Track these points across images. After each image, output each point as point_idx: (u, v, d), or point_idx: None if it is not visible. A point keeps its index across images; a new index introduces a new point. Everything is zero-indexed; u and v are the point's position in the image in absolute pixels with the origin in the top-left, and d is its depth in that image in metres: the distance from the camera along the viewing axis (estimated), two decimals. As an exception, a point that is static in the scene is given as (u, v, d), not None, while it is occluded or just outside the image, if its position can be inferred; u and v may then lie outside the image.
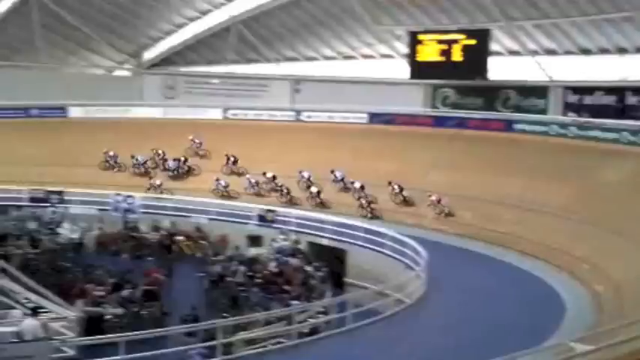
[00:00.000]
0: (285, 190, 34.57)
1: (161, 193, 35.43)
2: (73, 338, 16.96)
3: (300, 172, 35.16)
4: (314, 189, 34.42)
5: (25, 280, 20.27)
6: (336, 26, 40.13)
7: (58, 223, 30.96)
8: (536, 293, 22.17)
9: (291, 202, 34.19)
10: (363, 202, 33.08)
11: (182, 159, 37.78)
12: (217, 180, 35.67)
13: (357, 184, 33.79)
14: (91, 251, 29.79)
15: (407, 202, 33.01)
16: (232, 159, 37.19)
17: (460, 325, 19.05)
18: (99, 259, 27.77)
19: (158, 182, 36.34)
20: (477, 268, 25.21)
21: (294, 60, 42.69)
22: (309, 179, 34.97)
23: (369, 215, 32.43)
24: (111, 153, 38.00)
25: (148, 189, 35.81)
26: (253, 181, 35.54)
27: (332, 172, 35.01)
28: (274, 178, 35.20)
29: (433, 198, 31.74)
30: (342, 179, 34.80)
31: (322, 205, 33.88)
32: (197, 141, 38.91)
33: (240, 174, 36.74)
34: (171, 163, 37.61)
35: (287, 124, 40.47)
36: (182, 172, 37.67)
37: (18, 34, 42.27)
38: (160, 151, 38.20)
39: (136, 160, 37.83)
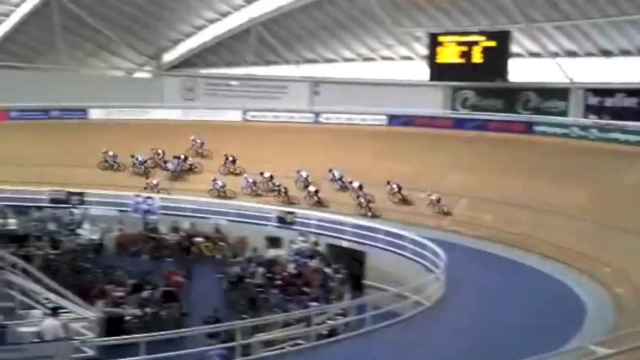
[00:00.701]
0: (283, 190, 34.64)
1: (157, 192, 35.39)
2: (93, 338, 17.01)
3: (299, 172, 35.28)
4: (312, 188, 34.54)
5: (45, 281, 20.39)
6: (355, 28, 40.11)
7: (79, 224, 31.14)
8: (556, 296, 22.02)
9: (289, 202, 34.27)
10: (362, 200, 33.20)
11: (182, 157, 37.86)
12: (214, 180, 35.72)
13: (356, 184, 33.92)
14: (110, 252, 29.92)
15: (405, 201, 33.16)
16: (231, 158, 37.28)
17: (479, 327, 18.96)
18: (119, 260, 27.88)
19: (155, 182, 36.37)
20: (496, 270, 25.08)
21: (314, 62, 42.72)
22: (306, 179, 35.09)
23: (369, 214, 32.58)
24: (110, 153, 37.99)
25: (145, 188, 35.82)
26: (251, 180, 35.62)
27: (330, 170, 35.17)
28: (271, 177, 35.33)
29: (433, 197, 32.00)
30: (340, 178, 34.98)
31: (320, 204, 33.97)
32: (198, 141, 38.98)
33: (237, 174, 36.80)
34: (170, 166, 37.47)
35: (306, 126, 40.48)
36: (183, 169, 37.69)
37: (39, 36, 42.64)
38: (160, 151, 38.24)
39: (136, 159, 37.84)
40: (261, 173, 35.55)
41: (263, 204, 32.80)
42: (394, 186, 33.21)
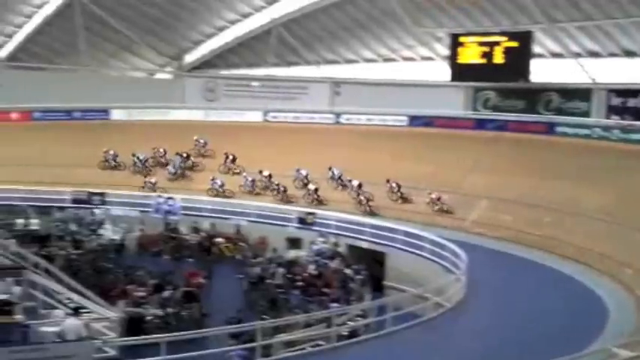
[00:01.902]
0: (282, 189, 34.78)
1: (155, 191, 35.45)
2: (114, 338, 17.09)
3: (298, 171, 35.45)
4: (311, 186, 34.71)
5: (67, 281, 20.52)
6: (376, 29, 40.06)
7: (100, 225, 31.33)
8: (577, 298, 21.88)
9: (287, 201, 34.43)
10: (362, 198, 33.39)
11: (185, 155, 37.96)
12: (213, 179, 35.85)
13: (355, 183, 34.14)
14: (132, 252, 30.09)
15: (405, 199, 33.44)
16: (231, 157, 37.41)
17: (500, 329, 18.86)
18: (140, 260, 28.04)
19: (153, 180, 36.46)
20: (517, 271, 24.97)
21: (335, 63, 42.69)
22: (306, 177, 35.23)
23: (368, 212, 32.81)
24: (111, 152, 38.08)
25: (143, 187, 35.95)
26: (250, 179, 35.72)
27: (329, 169, 35.37)
28: (270, 176, 35.52)
29: (433, 196, 32.29)
30: (340, 177, 35.15)
31: (319, 202, 34.16)
32: (202, 141, 39.07)
33: (237, 172, 36.92)
34: (171, 169, 37.48)
35: (326, 127, 40.48)
36: (186, 167, 37.79)
37: (61, 37, 42.93)
38: (162, 149, 38.36)
39: (137, 158, 37.92)
40: (260, 172, 35.79)
41: (261, 202, 33.17)
42: (394, 184, 33.59)
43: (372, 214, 32.64)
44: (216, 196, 34.93)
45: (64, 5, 40.87)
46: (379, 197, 33.44)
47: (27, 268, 21.33)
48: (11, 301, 17.70)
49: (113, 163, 38.17)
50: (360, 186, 33.87)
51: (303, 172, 35.31)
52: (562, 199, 29.87)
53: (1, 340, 15.59)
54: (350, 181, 34.54)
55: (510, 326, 19.00)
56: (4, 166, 35.63)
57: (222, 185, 35.49)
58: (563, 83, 36.12)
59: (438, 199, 32.22)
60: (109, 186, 35.44)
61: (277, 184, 35.09)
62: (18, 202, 32.79)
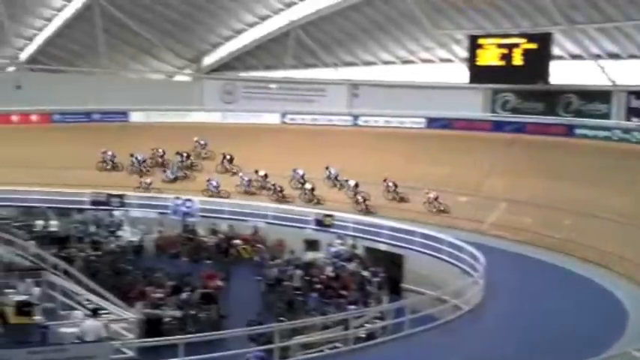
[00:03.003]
0: (279, 188, 34.96)
1: (150, 192, 35.46)
2: (132, 339, 17.16)
3: (295, 170, 35.65)
4: (308, 185, 34.97)
5: (86, 282, 20.63)
6: (394, 30, 39.98)
7: (119, 226, 31.47)
8: (597, 300, 21.75)
9: (283, 200, 34.62)
10: (359, 198, 33.66)
11: (185, 154, 38.06)
12: (209, 180, 36.00)
13: (352, 182, 34.46)
14: (150, 254, 30.20)
15: (402, 199, 33.75)
16: (228, 157, 37.61)
17: (519, 333, 18.77)
18: (158, 261, 28.17)
19: (148, 181, 36.50)
20: (536, 274, 24.82)
21: (353, 65, 42.65)
22: (302, 177, 35.41)
23: (365, 211, 33.05)
24: (109, 152, 38.13)
25: (137, 187, 35.99)
26: (246, 179, 35.90)
27: (326, 168, 35.65)
28: (266, 176, 35.77)
29: (430, 195, 32.45)
30: (336, 177, 35.43)
31: (316, 202, 34.43)
32: (202, 142, 39.13)
33: (234, 172, 37.05)
34: (169, 174, 37.35)
35: (344, 129, 40.47)
36: (184, 166, 37.87)
37: (81, 39, 43.18)
38: (161, 150, 38.43)
39: (135, 159, 37.97)
40: (256, 171, 36.04)
41: (255, 202, 33.60)
42: (390, 184, 33.90)
43: (368, 213, 32.83)
44: (211, 196, 35.13)
45: (84, 8, 41.11)
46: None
47: (46, 269, 21.49)
48: (31, 302, 17.84)
49: (111, 164, 38.15)
50: (356, 185, 34.23)
51: (300, 172, 35.58)
52: (581, 201, 29.70)
53: (21, 341, 15.72)
54: (347, 181, 34.90)
55: (528, 329, 18.90)
56: (24, 167, 35.91)
57: (217, 186, 35.57)
58: (582, 85, 35.91)
59: (436, 198, 32.46)
60: (104, 187, 35.35)
61: (273, 184, 35.30)
62: (37, 204, 32.98)
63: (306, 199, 34.70)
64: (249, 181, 35.89)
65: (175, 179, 37.31)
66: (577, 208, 29.48)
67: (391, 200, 33.97)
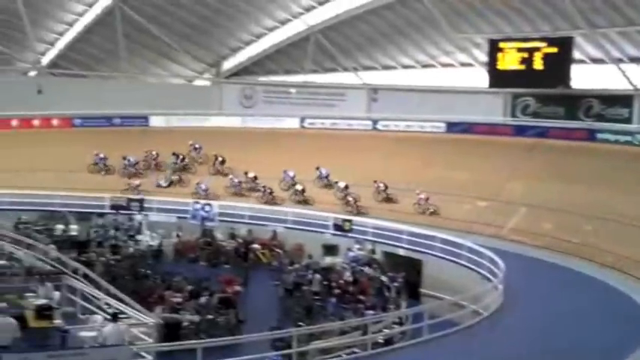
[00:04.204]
0: (268, 190, 34.99)
1: (137, 194, 35.44)
2: (151, 344, 17.19)
3: (285, 172, 35.78)
4: (298, 186, 35.12)
5: (105, 286, 20.69)
6: (414, 35, 39.93)
7: (138, 231, 31.56)
8: (616, 306, 21.56)
9: (272, 202, 34.66)
10: (350, 199, 33.89)
11: (181, 156, 38.13)
12: (198, 183, 36.04)
13: (342, 184, 34.67)
14: (169, 258, 30.28)
15: (390, 200, 34.04)
16: (220, 159, 37.74)
17: (538, 340, 18.60)
18: (177, 266, 28.25)
19: (137, 182, 36.44)
20: (555, 280, 24.66)
21: (372, 69, 42.64)
22: (293, 178, 35.59)
23: (355, 211, 33.14)
24: (101, 155, 38.01)
25: (126, 190, 35.98)
26: (236, 181, 35.98)
27: (317, 168, 35.85)
28: (255, 178, 35.88)
29: (422, 196, 32.55)
30: (327, 176, 35.75)
31: (305, 202, 34.53)
32: (197, 146, 39.13)
33: (226, 174, 37.10)
34: (162, 182, 37.02)
35: (363, 133, 40.42)
36: (177, 168, 37.84)
37: (102, 44, 43.47)
38: (154, 152, 38.45)
39: (128, 161, 37.91)
40: (246, 173, 36.16)
41: (245, 203, 33.72)
42: (380, 185, 34.06)
43: (359, 213, 32.88)
44: (199, 199, 35.09)
45: (105, 13, 41.36)
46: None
47: (66, 273, 21.56)
48: (51, 305, 17.88)
49: (103, 167, 38.08)
50: (346, 187, 34.44)
51: (291, 174, 35.76)
52: (602, 206, 29.47)
53: (41, 345, 15.75)
54: (336, 182, 35.09)
55: (548, 336, 18.77)
56: (45, 171, 36.11)
57: (206, 189, 35.63)
58: (604, 89, 35.71)
59: (427, 199, 32.54)
60: (92, 189, 35.17)
61: (263, 186, 35.40)
62: (58, 208, 33.14)
63: (296, 200, 34.82)
64: (239, 182, 35.99)
65: (170, 184, 37.20)
66: (598, 212, 29.27)
67: (380, 201, 34.14)
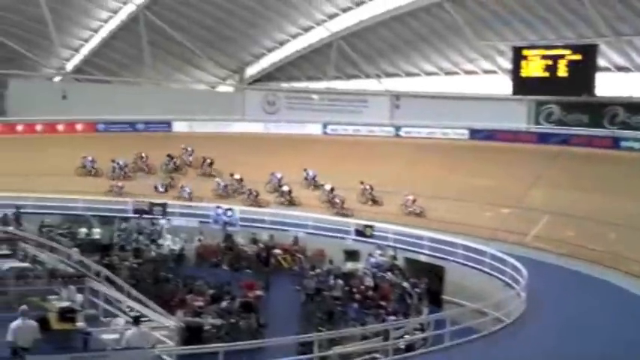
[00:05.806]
0: (254, 193, 35.30)
1: (120, 196, 35.54)
2: (173, 347, 17.23)
3: (273, 174, 36.11)
4: (285, 188, 35.41)
5: (128, 290, 20.78)
6: (437, 42, 39.90)
7: (160, 235, 31.67)
8: (640, 315, 21.36)
9: (257, 204, 34.97)
10: (337, 201, 34.42)
11: (175, 159, 38.41)
12: (182, 187, 36.29)
13: (328, 187, 35.18)
14: (191, 263, 30.35)
15: (376, 202, 34.53)
16: (208, 161, 38.08)
17: (560, 348, 18.44)
18: (199, 270, 28.31)
19: (120, 184, 36.51)
20: (579, 288, 24.47)
21: (395, 76, 42.63)
22: (280, 180, 35.93)
23: (341, 213, 33.68)
24: (89, 158, 38.01)
25: (110, 191, 36.07)
26: (223, 184, 36.18)
27: (304, 170, 36.29)
28: (241, 180, 36.18)
29: (409, 197, 33.09)
30: (314, 178, 36.16)
31: (291, 204, 34.93)
32: (189, 149, 39.24)
33: (214, 176, 37.36)
34: (160, 187, 36.98)
35: (386, 140, 40.36)
36: (170, 169, 38.25)
37: (126, 50, 43.80)
38: (144, 155, 38.54)
39: (117, 164, 37.92)
40: (231, 175, 36.42)
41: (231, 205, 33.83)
42: (367, 186, 34.38)
43: (344, 215, 33.36)
44: (184, 201, 35.40)
45: (129, 19, 41.70)
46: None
47: (89, 276, 21.67)
48: (74, 308, 17.99)
49: (91, 170, 38.10)
50: (332, 190, 34.85)
51: (278, 175, 36.10)
52: (626, 214, 29.22)
53: (63, 347, 15.84)
54: (322, 185, 35.42)
55: (571, 344, 18.59)
56: (69, 176, 36.37)
57: (190, 192, 35.80)
58: (629, 97, 35.51)
59: (414, 201, 32.86)
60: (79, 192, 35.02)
61: (249, 189, 35.63)
62: (82, 212, 33.35)
63: (281, 201, 35.14)
64: (226, 185, 36.11)
65: (166, 190, 37.18)
66: (622, 220, 29.02)
67: (364, 203, 34.52)
